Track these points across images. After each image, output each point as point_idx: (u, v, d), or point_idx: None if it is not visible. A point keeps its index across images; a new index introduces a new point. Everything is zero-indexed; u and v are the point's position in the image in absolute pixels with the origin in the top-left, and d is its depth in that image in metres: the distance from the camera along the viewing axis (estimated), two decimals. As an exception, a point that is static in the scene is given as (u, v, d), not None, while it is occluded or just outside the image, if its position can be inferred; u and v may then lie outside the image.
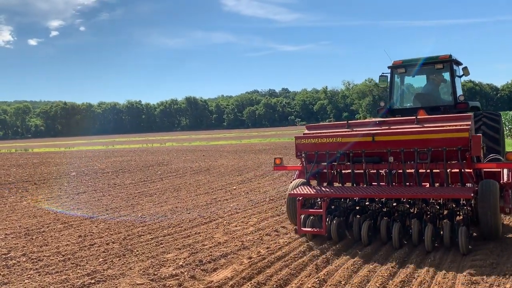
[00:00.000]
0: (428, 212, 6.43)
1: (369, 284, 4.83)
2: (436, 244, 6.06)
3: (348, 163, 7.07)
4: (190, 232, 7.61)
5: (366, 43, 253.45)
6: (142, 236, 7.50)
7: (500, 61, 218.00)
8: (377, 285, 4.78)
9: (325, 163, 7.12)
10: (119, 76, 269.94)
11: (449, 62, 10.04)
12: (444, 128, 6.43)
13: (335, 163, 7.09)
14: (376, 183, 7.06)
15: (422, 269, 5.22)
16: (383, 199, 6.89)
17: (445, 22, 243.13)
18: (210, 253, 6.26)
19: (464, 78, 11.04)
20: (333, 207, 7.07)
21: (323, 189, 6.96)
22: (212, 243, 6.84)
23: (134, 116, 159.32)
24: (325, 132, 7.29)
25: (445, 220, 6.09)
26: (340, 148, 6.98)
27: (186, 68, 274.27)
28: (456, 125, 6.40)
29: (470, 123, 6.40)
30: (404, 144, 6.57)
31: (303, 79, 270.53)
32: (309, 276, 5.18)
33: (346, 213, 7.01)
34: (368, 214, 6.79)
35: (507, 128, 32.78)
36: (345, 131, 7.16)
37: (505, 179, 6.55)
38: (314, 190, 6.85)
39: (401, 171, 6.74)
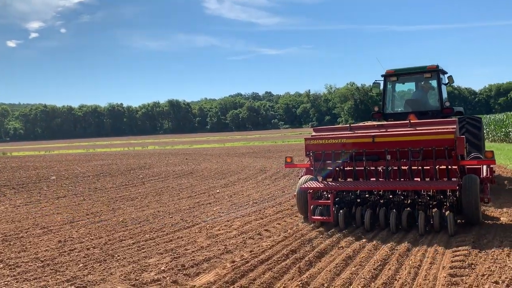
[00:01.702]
0: (420, 202, 7.48)
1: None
2: (427, 229, 7.03)
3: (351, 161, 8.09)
4: (173, 237, 7.54)
5: (348, 47, 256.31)
6: (124, 241, 7.40)
7: (478, 66, 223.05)
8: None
9: (330, 161, 8.25)
10: (101, 79, 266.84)
11: (436, 72, 11.18)
12: (434, 131, 7.49)
13: (339, 161, 8.16)
14: (375, 178, 8.04)
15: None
16: (381, 192, 7.96)
17: (425, 28, 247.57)
18: (192, 258, 6.20)
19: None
20: (337, 199, 8.03)
21: (330, 183, 8.09)
22: (195, 247, 6.79)
23: (116, 119, 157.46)
24: (331, 134, 8.32)
25: (434, 209, 7.15)
26: (343, 148, 8.06)
27: (168, 71, 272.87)
28: (443, 128, 7.44)
29: (455, 126, 7.44)
30: (399, 144, 7.67)
31: (286, 82, 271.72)
32: (292, 279, 5.18)
33: (350, 205, 7.86)
34: (368, 205, 7.72)
35: (485, 130, 33.55)
36: (349, 133, 8.16)
37: (484, 174, 7.70)
38: (323, 184, 8.00)
39: (396, 167, 7.81)
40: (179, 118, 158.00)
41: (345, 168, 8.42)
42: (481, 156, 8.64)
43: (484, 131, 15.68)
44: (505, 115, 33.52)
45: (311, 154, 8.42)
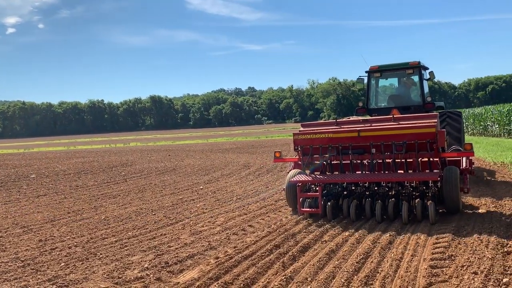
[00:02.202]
0: (404, 193, 7.80)
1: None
2: (410, 218, 7.36)
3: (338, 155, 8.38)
4: (156, 234, 7.50)
5: (329, 43, 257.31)
6: (106, 239, 7.33)
7: (457, 61, 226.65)
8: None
9: (318, 155, 8.50)
10: (81, 75, 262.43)
11: (418, 68, 11.49)
12: (416, 125, 7.81)
13: (326, 155, 8.42)
14: (360, 171, 8.34)
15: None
16: (367, 184, 8.27)
17: (406, 23, 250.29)
18: (176, 255, 6.18)
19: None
20: (325, 191, 8.30)
21: (318, 176, 8.35)
22: (178, 244, 6.76)
23: (97, 116, 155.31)
24: (318, 129, 8.57)
25: (417, 200, 7.45)
26: (330, 142, 8.30)
27: (150, 66, 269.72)
28: (425, 123, 7.75)
29: (436, 120, 7.75)
30: (384, 138, 7.95)
31: (269, 78, 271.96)
32: (276, 274, 5.20)
33: (337, 196, 8.18)
34: (354, 196, 8.03)
35: (465, 124, 34.19)
36: (335, 128, 8.41)
37: (464, 165, 8.13)
38: (311, 177, 8.24)
39: (381, 160, 8.09)
40: (161, 114, 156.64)
41: (332, 162, 8.66)
42: (461, 148, 8.97)
43: (464, 125, 16.36)
44: (484, 109, 34.19)
45: (299, 148, 8.65)
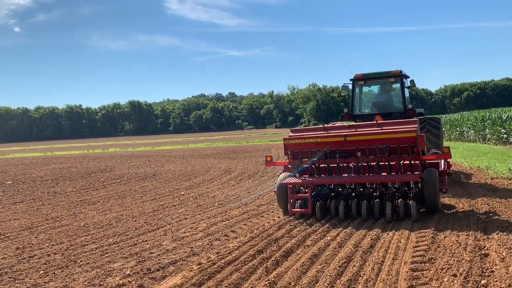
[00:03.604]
0: (387, 194, 8.29)
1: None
2: (393, 217, 7.79)
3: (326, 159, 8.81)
4: (137, 240, 7.42)
5: (309, 49, 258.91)
6: (86, 246, 7.21)
7: (434, 67, 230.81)
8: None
9: (306, 159, 8.88)
10: (58, 80, 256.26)
11: (400, 76, 12.00)
12: (398, 130, 8.28)
13: (315, 159, 8.81)
14: (347, 174, 8.78)
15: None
16: (353, 185, 8.84)
17: (386, 30, 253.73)
18: (158, 261, 6.12)
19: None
20: (314, 193, 8.77)
21: (307, 178, 8.75)
22: (160, 250, 6.70)
23: (74, 121, 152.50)
24: (307, 134, 8.96)
25: (400, 200, 7.89)
26: (319, 146, 8.71)
27: (129, 71, 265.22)
28: (406, 128, 8.23)
29: (416, 126, 8.25)
30: (368, 142, 8.42)
31: (250, 83, 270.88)
32: (259, 279, 5.21)
33: (325, 197, 8.62)
34: (341, 197, 8.47)
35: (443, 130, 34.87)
36: (323, 133, 8.81)
37: (442, 167, 8.68)
38: (301, 180, 8.69)
39: (366, 163, 8.56)
40: (140, 119, 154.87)
41: (320, 165, 9.08)
42: (439, 151, 9.41)
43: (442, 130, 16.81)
44: (460, 115, 34.98)
45: (289, 152, 9.04)
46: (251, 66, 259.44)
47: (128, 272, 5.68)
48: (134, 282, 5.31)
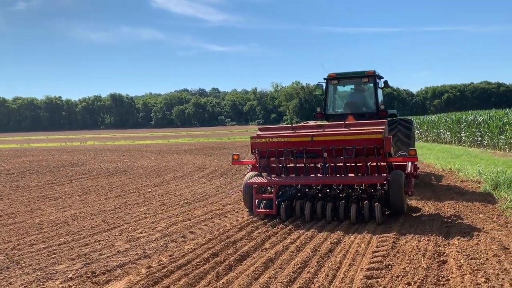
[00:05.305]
0: (353, 195, 8.14)
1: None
2: (358, 219, 7.65)
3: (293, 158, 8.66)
4: (89, 240, 7.07)
5: (293, 47, 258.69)
6: (34, 245, 6.84)
7: (416, 69, 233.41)
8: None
9: (274, 158, 8.74)
10: (37, 70, 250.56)
11: (373, 77, 11.83)
12: (364, 131, 8.16)
13: (282, 158, 8.66)
14: (314, 174, 8.64)
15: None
16: (319, 186, 8.60)
17: (369, 30, 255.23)
18: (106, 263, 5.81)
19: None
20: (280, 193, 8.59)
21: (273, 178, 8.57)
22: (111, 252, 6.38)
23: (54, 113, 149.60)
24: (274, 133, 8.81)
25: (365, 202, 7.76)
26: (285, 146, 8.57)
27: (111, 64, 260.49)
28: (373, 129, 8.11)
29: (384, 127, 8.11)
30: (335, 143, 8.28)
31: (233, 79, 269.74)
32: (207, 285, 4.95)
33: (291, 198, 8.42)
34: (307, 198, 8.27)
35: (418, 131, 35.13)
36: (290, 133, 8.65)
37: (409, 169, 8.60)
38: (266, 180, 8.52)
39: (333, 164, 8.43)
40: (121, 112, 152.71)
41: (287, 165, 8.88)
42: (406, 154, 9.16)
43: (416, 131, 16.68)
44: (437, 117, 35.19)
45: (256, 151, 8.86)
46: (235, 62, 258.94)
47: (70, 276, 5.35)
48: (74, 286, 4.99)
